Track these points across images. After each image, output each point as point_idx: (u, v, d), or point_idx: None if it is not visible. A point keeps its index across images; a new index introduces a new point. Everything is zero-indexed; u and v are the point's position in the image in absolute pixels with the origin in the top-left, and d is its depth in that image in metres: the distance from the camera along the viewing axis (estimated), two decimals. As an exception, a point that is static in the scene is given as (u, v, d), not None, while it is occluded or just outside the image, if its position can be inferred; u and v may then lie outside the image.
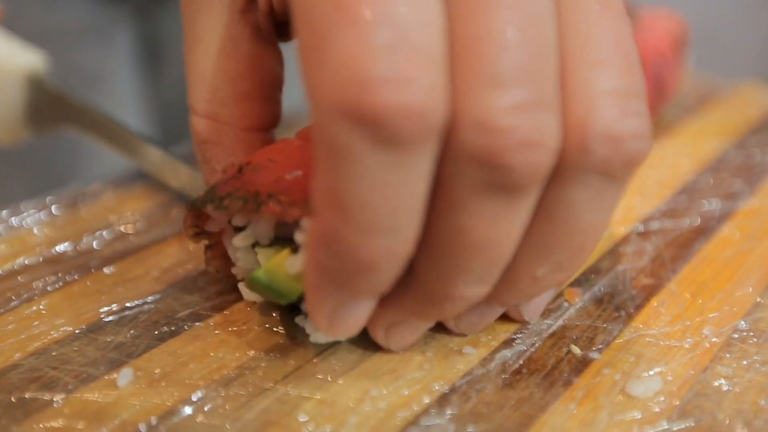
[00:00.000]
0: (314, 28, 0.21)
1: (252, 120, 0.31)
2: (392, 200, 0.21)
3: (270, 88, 0.32)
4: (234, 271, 0.31)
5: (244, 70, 0.30)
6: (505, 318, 0.32)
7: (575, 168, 0.23)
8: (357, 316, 0.25)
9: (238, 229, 0.30)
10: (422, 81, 0.20)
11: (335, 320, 0.25)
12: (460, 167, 0.22)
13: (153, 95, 0.71)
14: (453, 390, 0.28)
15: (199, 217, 0.31)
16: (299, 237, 0.27)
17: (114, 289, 0.34)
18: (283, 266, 0.28)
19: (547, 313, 0.33)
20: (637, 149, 0.23)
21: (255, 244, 0.30)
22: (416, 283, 0.25)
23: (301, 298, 0.29)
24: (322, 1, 0.20)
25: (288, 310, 0.32)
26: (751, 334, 0.32)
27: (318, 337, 0.29)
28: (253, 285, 0.29)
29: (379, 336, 0.29)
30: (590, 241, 0.26)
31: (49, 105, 0.45)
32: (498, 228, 0.23)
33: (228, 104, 0.31)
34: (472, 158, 0.21)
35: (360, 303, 0.25)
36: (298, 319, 0.31)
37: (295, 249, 0.28)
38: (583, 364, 0.30)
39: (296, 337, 0.31)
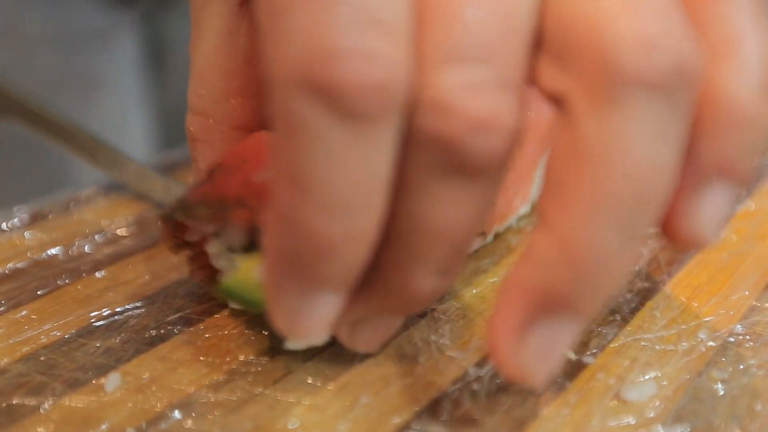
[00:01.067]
0: (273, 4, 0.19)
1: (243, 118, 0.30)
2: (353, 178, 0.20)
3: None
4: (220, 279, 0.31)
5: (239, 66, 0.30)
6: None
7: (603, 90, 0.20)
8: (320, 313, 0.22)
9: (215, 235, 0.29)
10: (385, 52, 0.19)
11: (296, 318, 0.22)
12: (417, 148, 0.20)
13: (158, 100, 0.71)
14: (445, 396, 0.28)
15: (178, 227, 0.30)
16: None
17: (105, 294, 0.34)
18: (252, 274, 0.26)
19: (541, 317, 0.33)
20: (680, 54, 0.20)
21: (232, 250, 0.29)
22: (377, 274, 0.23)
23: None
24: None
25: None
26: (748, 337, 0.32)
27: (292, 343, 0.27)
28: (225, 294, 0.28)
29: (343, 335, 0.26)
30: (655, 182, 0.21)
31: None
32: (456, 213, 0.21)
33: (219, 101, 0.30)
34: (427, 139, 0.20)
35: (323, 297, 0.22)
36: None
37: None
38: (577, 368, 0.30)
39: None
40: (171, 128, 0.72)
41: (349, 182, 0.20)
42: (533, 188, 0.40)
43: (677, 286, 0.35)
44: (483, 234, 0.36)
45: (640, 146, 0.19)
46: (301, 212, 0.20)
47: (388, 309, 0.25)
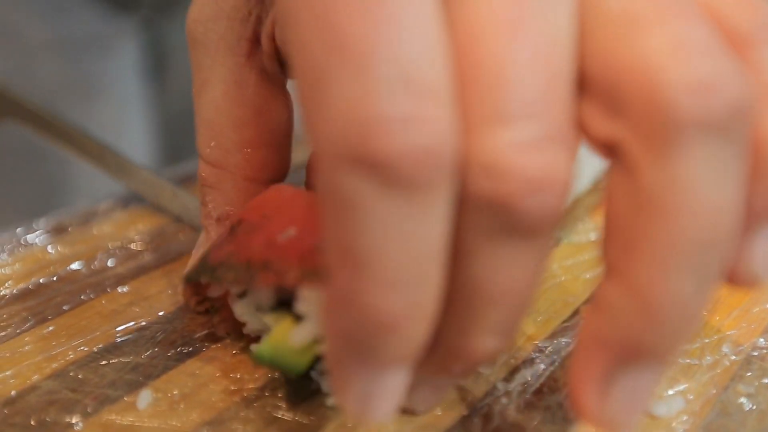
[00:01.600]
0: (311, 68, 0.18)
1: (255, 169, 0.30)
2: (410, 251, 0.19)
3: (276, 135, 0.31)
4: (246, 330, 0.30)
5: (250, 116, 0.30)
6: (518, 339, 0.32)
7: (665, 134, 0.20)
8: (390, 392, 0.21)
9: (240, 295, 0.29)
10: (429, 116, 0.18)
11: (367, 401, 0.21)
12: (471, 213, 0.20)
13: (158, 106, 0.71)
14: (474, 411, 0.28)
15: (199, 285, 0.30)
16: (301, 307, 0.26)
17: (129, 309, 0.34)
18: (286, 339, 0.26)
19: (564, 331, 0.33)
20: (734, 93, 0.20)
21: (260, 309, 0.28)
22: (437, 338, 0.22)
23: (310, 368, 0.28)
24: (316, 38, 0.18)
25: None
26: (771, 351, 0.32)
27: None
28: (260, 361, 0.26)
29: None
30: (723, 226, 0.22)
31: None
32: (515, 275, 0.21)
33: (231, 152, 0.30)
34: (481, 203, 0.19)
35: (391, 375, 0.21)
36: (314, 374, 0.29)
37: (297, 318, 0.26)
38: (604, 383, 0.30)
39: (315, 357, 0.30)
40: (172, 135, 0.72)
41: (406, 256, 0.19)
42: None
43: (698, 300, 0.35)
44: None
45: (704, 189, 0.19)
46: (359, 291, 0.19)
47: (447, 372, 0.24)
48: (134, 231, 0.40)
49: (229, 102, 0.29)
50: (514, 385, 0.30)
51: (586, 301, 0.35)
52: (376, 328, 0.20)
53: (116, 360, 0.30)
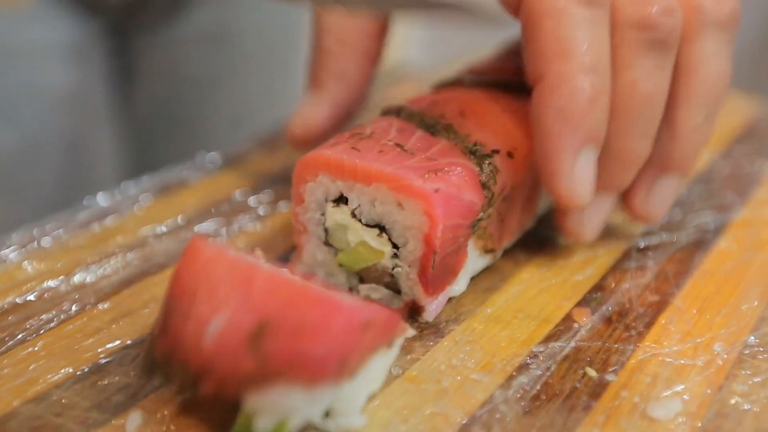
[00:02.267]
0: None
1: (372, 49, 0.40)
2: (599, 45, 0.31)
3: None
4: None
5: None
6: (526, 328, 0.32)
7: (698, 25, 0.34)
8: (589, 167, 0.33)
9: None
10: None
11: (573, 175, 0.32)
12: (625, 33, 0.32)
13: (127, 111, 0.70)
14: (473, 420, 0.28)
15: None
16: (253, 404, 0.24)
17: (112, 326, 0.32)
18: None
19: (558, 334, 0.33)
20: (733, 4, 0.35)
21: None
22: (604, 149, 0.33)
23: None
24: None
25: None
26: (761, 349, 0.32)
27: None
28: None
29: (575, 226, 0.36)
30: (722, 85, 0.35)
31: None
32: (654, 81, 0.33)
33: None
34: (632, 24, 0.32)
35: (588, 153, 0.32)
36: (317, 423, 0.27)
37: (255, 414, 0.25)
38: (601, 387, 0.30)
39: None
40: (140, 139, 0.70)
41: (595, 48, 0.31)
42: (538, 206, 0.40)
43: (687, 298, 0.36)
44: (493, 251, 0.36)
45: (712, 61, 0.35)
46: (570, 74, 0.31)
47: (610, 181, 0.35)
48: (113, 244, 0.39)
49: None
50: (512, 392, 0.29)
51: (578, 303, 0.35)
52: (583, 101, 0.31)
53: (102, 381, 0.29)
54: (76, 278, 0.36)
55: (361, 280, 0.34)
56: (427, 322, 0.33)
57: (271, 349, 0.23)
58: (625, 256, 0.39)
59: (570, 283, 0.37)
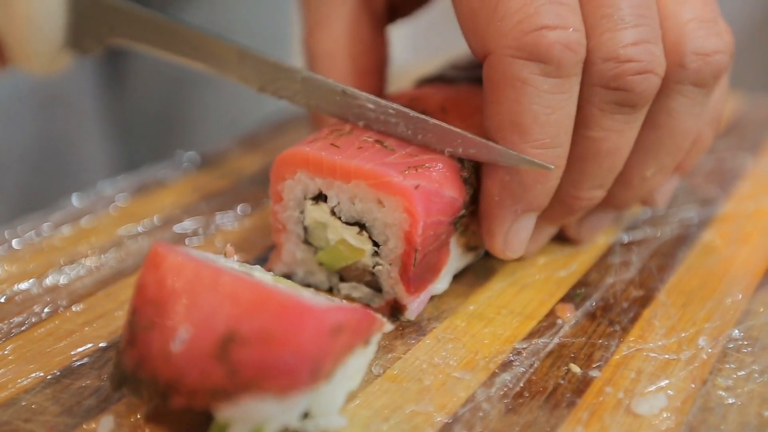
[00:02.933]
0: None
1: (366, 90, 0.34)
2: (557, 118, 0.30)
3: (381, 64, 0.38)
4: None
5: (362, 50, 0.37)
6: (502, 329, 0.31)
7: (675, 82, 0.32)
8: (526, 231, 0.33)
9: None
10: (573, 25, 0.29)
11: (509, 237, 0.32)
12: (594, 90, 0.30)
13: (115, 110, 0.69)
14: (456, 419, 0.27)
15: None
16: (224, 414, 0.24)
17: (85, 329, 0.32)
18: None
19: (542, 330, 0.32)
20: (720, 61, 0.32)
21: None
22: (555, 194, 0.32)
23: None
24: None
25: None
26: (746, 342, 0.32)
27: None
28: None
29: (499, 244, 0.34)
30: (687, 142, 0.34)
31: (94, 17, 0.39)
32: (619, 138, 0.31)
33: (347, 78, 0.37)
34: (604, 83, 0.30)
35: (528, 218, 0.32)
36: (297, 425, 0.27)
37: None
38: (584, 383, 0.29)
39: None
40: (130, 141, 0.70)
41: (555, 122, 0.30)
42: None
43: (671, 293, 0.35)
44: (475, 249, 0.36)
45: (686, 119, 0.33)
46: (523, 149, 0.30)
47: (555, 218, 0.34)
48: (87, 245, 0.38)
49: (347, 37, 0.36)
50: (495, 389, 0.29)
51: (562, 299, 0.34)
52: (536, 178, 0.31)
53: (73, 384, 0.28)
54: (49, 280, 0.35)
55: (342, 279, 0.34)
56: (408, 320, 0.33)
57: (240, 358, 0.23)
58: (609, 251, 0.39)
59: (554, 279, 0.36)
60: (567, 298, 0.35)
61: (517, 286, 0.36)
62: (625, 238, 0.40)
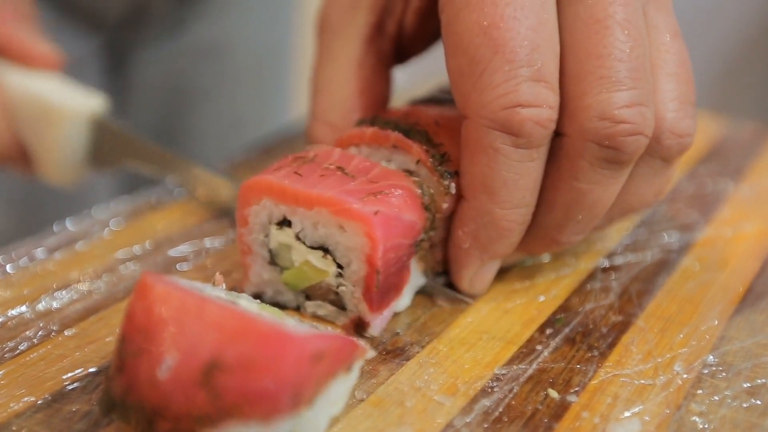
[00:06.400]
0: (472, 59, 0.31)
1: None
2: (525, 183, 0.32)
3: (381, 102, 0.40)
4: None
5: (366, 87, 0.39)
6: (478, 364, 0.32)
7: (648, 153, 0.34)
8: (490, 274, 0.36)
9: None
10: (547, 103, 0.31)
11: (475, 280, 0.36)
12: (587, 146, 0.32)
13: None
14: (435, 444, 0.28)
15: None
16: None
17: (76, 353, 0.32)
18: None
19: (522, 356, 0.33)
20: (689, 143, 0.34)
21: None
22: (533, 230, 0.35)
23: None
24: (480, 41, 0.30)
25: None
26: (720, 368, 0.33)
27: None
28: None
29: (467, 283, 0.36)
30: (638, 203, 0.36)
31: (111, 144, 0.47)
32: (604, 192, 0.33)
33: (349, 114, 0.39)
34: (597, 140, 0.32)
35: (493, 264, 0.36)
36: None
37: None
38: (562, 408, 0.30)
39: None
40: None
41: (523, 186, 0.32)
42: None
43: (650, 318, 0.36)
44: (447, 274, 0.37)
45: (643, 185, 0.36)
46: (490, 208, 0.33)
47: (529, 251, 0.37)
48: (80, 270, 0.39)
49: (352, 75, 0.39)
50: (474, 415, 0.29)
51: (543, 324, 0.35)
52: (497, 233, 0.34)
53: (64, 409, 0.29)
54: (42, 305, 0.36)
55: (308, 297, 0.35)
56: (392, 345, 0.34)
57: (224, 385, 0.24)
58: (590, 276, 0.40)
59: (535, 304, 0.37)
60: (548, 324, 0.35)
61: (500, 311, 0.36)
62: (606, 264, 0.41)
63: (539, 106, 0.31)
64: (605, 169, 0.32)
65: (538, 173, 0.33)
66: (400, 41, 0.41)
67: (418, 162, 0.35)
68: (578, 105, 0.31)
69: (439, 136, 0.36)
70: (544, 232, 0.35)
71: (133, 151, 0.46)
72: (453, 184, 0.34)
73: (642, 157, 0.34)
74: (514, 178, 0.32)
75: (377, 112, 0.40)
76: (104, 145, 0.48)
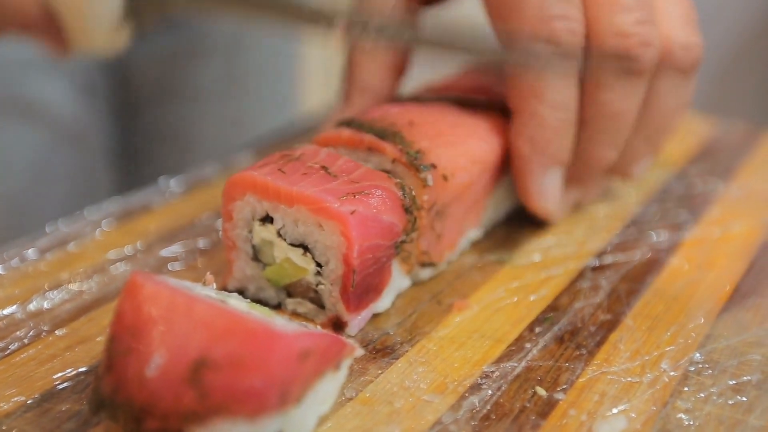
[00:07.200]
0: None
1: (393, 91, 0.44)
2: (566, 86, 0.38)
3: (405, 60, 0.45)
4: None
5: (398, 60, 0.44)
6: (472, 353, 0.32)
7: (663, 66, 0.39)
8: (555, 185, 0.40)
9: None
10: (577, 18, 0.37)
11: (543, 192, 0.40)
12: (605, 61, 0.38)
13: (122, 125, 0.70)
14: (423, 441, 0.28)
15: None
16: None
17: (67, 353, 0.32)
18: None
19: (511, 354, 0.33)
20: (698, 54, 0.40)
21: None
22: (576, 153, 0.40)
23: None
24: None
25: None
26: (707, 366, 0.33)
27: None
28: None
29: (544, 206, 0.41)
30: (670, 120, 0.42)
31: None
32: (626, 101, 0.39)
33: (388, 73, 0.43)
34: (615, 54, 0.37)
35: (555, 171, 0.40)
36: None
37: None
38: (549, 405, 0.30)
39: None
40: (137, 173, 0.71)
41: (564, 87, 0.38)
42: (485, 215, 0.41)
43: (637, 317, 0.36)
44: (433, 265, 0.37)
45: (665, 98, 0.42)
46: (541, 110, 0.38)
47: (579, 179, 0.42)
48: (71, 270, 0.39)
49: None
50: (462, 412, 0.30)
51: (532, 323, 0.36)
52: (551, 131, 0.39)
53: (54, 409, 0.29)
54: (33, 305, 0.36)
55: (289, 295, 0.36)
56: (382, 344, 0.34)
57: (211, 383, 0.24)
58: (580, 275, 0.40)
59: (525, 303, 0.37)
60: (537, 322, 0.36)
61: (490, 310, 0.37)
62: (596, 263, 0.41)
63: (570, 19, 0.37)
64: (624, 80, 0.38)
65: (574, 82, 0.38)
66: None
67: (393, 161, 0.36)
68: (596, 26, 0.37)
69: (414, 135, 0.36)
70: (582, 150, 0.40)
71: None
72: (430, 176, 0.35)
73: (660, 71, 0.39)
74: (559, 82, 0.38)
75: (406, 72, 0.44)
76: None
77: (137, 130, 0.71)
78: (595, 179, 0.43)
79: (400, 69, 0.44)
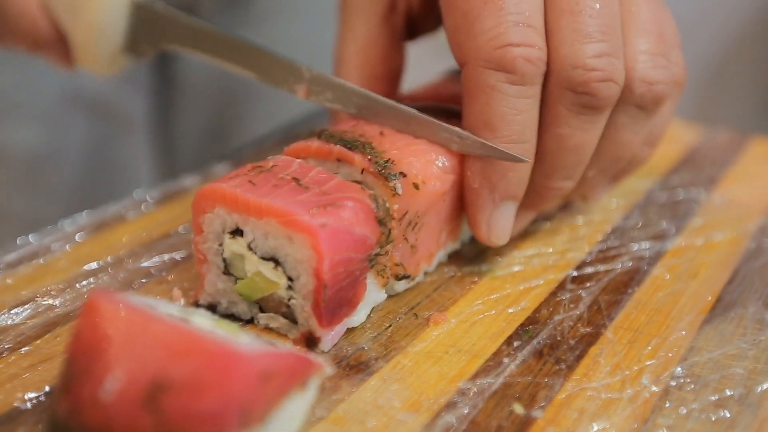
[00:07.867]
0: (464, 13, 0.35)
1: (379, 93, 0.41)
2: (522, 119, 0.35)
3: (394, 73, 0.44)
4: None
5: (378, 58, 0.43)
6: (449, 365, 0.31)
7: (623, 102, 0.37)
8: (507, 219, 0.38)
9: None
10: (537, 43, 0.35)
11: (492, 224, 0.38)
12: (564, 93, 0.35)
13: (166, 126, 0.71)
14: (396, 462, 0.27)
15: None
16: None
17: (30, 372, 0.31)
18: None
19: (488, 369, 0.33)
20: (662, 90, 0.38)
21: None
22: (531, 181, 0.38)
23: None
24: None
25: None
26: (688, 380, 0.32)
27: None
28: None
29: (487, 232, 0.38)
30: (625, 152, 0.40)
31: (152, 27, 0.45)
32: (584, 136, 0.37)
33: (361, 80, 0.43)
34: (572, 87, 0.35)
35: (508, 206, 0.37)
36: None
37: None
38: (527, 424, 0.29)
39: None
40: (177, 153, 0.71)
41: (521, 121, 0.35)
42: (462, 227, 0.40)
43: (618, 329, 0.36)
44: (408, 277, 0.37)
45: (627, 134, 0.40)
46: (493, 143, 0.36)
47: (531, 206, 0.39)
48: (40, 285, 0.38)
49: (365, 46, 0.43)
50: (437, 431, 0.29)
51: (511, 337, 0.35)
52: (507, 166, 0.36)
53: (16, 431, 0.28)
54: (-4, 322, 0.35)
55: (261, 309, 0.35)
56: (356, 359, 0.33)
57: (169, 406, 0.23)
58: (560, 286, 0.39)
59: (504, 316, 0.36)
60: (515, 336, 0.35)
61: (468, 323, 0.36)
62: (576, 273, 0.40)
63: (529, 45, 0.34)
64: (582, 114, 0.36)
65: (533, 112, 0.36)
66: (411, 19, 0.44)
67: (363, 171, 0.35)
68: (555, 56, 0.35)
69: (384, 144, 0.36)
70: (537, 180, 0.38)
71: (176, 33, 0.44)
72: (399, 185, 0.34)
73: (618, 105, 0.37)
74: (512, 113, 0.35)
75: (393, 83, 0.44)
76: (143, 26, 0.45)
77: (177, 126, 0.71)
78: (550, 205, 0.41)
79: (388, 64, 0.43)
